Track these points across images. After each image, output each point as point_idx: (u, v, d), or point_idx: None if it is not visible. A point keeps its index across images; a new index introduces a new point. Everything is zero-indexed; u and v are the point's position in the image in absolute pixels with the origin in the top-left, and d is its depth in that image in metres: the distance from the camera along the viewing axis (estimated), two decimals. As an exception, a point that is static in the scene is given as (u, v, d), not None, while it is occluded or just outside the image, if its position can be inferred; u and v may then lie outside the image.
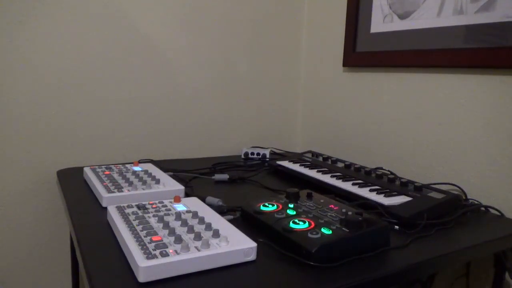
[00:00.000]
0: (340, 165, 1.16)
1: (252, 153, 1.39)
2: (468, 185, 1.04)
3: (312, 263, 0.62)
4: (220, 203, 0.87)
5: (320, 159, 1.24)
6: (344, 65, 1.37)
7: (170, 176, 1.09)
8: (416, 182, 0.96)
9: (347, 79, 1.40)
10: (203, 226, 0.69)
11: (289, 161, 1.22)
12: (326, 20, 1.48)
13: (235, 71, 1.46)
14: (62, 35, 1.16)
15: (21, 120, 1.13)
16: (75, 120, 1.21)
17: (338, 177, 1.04)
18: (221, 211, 0.84)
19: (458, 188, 1.04)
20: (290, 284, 0.57)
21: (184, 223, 0.69)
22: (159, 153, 1.36)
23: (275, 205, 0.79)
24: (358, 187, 0.97)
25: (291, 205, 0.79)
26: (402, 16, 1.17)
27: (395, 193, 0.92)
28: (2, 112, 1.11)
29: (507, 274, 0.91)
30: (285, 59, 1.56)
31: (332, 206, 0.78)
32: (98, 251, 0.64)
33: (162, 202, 0.79)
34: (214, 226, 0.69)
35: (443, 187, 1.06)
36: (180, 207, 0.77)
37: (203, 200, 0.88)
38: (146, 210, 0.74)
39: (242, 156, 1.41)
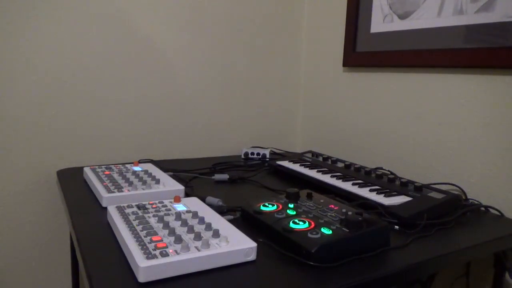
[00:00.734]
0: (340, 165, 1.16)
1: (252, 153, 1.39)
2: (468, 185, 1.04)
3: (312, 263, 0.62)
4: (220, 203, 0.87)
5: (320, 159, 1.24)
6: (344, 65, 1.37)
7: (170, 176, 1.09)
8: (416, 182, 0.96)
9: (347, 79, 1.40)
10: (203, 226, 0.69)
11: (289, 161, 1.22)
12: (326, 20, 1.48)
13: (235, 71, 1.46)
14: (63, 35, 1.16)
15: (21, 120, 1.13)
16: (75, 120, 1.21)
17: (338, 177, 1.04)
18: (221, 211, 0.84)
19: (458, 188, 1.04)
20: (290, 284, 0.57)
21: (184, 223, 0.69)
22: (159, 153, 1.36)
23: (275, 205, 0.79)
24: (358, 187, 0.97)
25: (291, 205, 0.79)
26: (402, 16, 1.17)
27: (395, 193, 0.92)
28: (2, 112, 1.11)
29: (507, 274, 0.91)
30: (285, 59, 1.56)
31: (332, 206, 0.78)
32: (98, 251, 0.64)
33: (162, 202, 0.79)
34: (214, 226, 0.69)
35: (443, 187, 1.06)
36: (180, 207, 0.77)
37: (203, 200, 0.88)
38: (146, 210, 0.74)
39: (242, 156, 1.41)
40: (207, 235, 0.65)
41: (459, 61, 1.02)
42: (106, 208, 0.84)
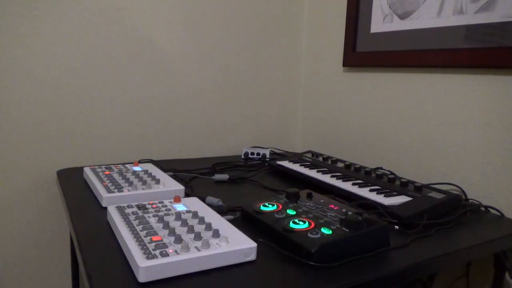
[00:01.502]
0: (340, 165, 1.16)
1: (252, 153, 1.39)
2: (468, 185, 1.04)
3: (312, 263, 0.62)
4: (220, 203, 0.87)
5: (320, 159, 1.24)
6: (344, 65, 1.37)
7: (170, 176, 1.09)
8: (416, 182, 0.96)
9: (347, 79, 1.40)
10: (203, 226, 0.69)
11: (289, 161, 1.22)
12: (326, 20, 1.48)
13: (235, 71, 1.46)
14: (63, 36, 1.16)
15: (21, 120, 1.13)
16: (75, 120, 1.21)
17: (338, 177, 1.04)
18: (221, 211, 0.84)
19: (458, 188, 1.04)
20: (290, 284, 0.57)
21: (184, 223, 0.69)
22: (159, 153, 1.36)
23: (275, 205, 0.79)
24: (358, 187, 0.97)
25: (291, 205, 0.79)
26: (402, 16, 1.17)
27: (395, 193, 0.92)
28: (2, 112, 1.11)
29: (507, 274, 0.91)
30: (285, 59, 1.56)
31: (332, 206, 0.78)
32: (98, 251, 0.64)
33: (162, 202, 0.79)
34: (214, 226, 0.69)
35: (443, 187, 1.06)
36: (180, 207, 0.77)
37: (203, 200, 0.88)
38: (146, 210, 0.74)
39: (242, 156, 1.41)
40: (207, 235, 0.65)
41: (459, 61, 1.02)
42: (106, 208, 0.84)
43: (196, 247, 0.60)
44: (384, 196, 0.90)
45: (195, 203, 0.81)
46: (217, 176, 1.09)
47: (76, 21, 1.17)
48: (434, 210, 0.84)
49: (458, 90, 1.05)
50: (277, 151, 1.54)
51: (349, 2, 1.34)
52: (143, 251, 0.58)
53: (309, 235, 0.65)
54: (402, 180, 0.97)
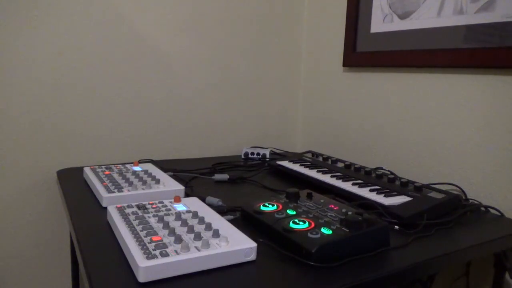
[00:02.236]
0: (340, 165, 1.16)
1: (252, 153, 1.39)
2: (468, 185, 1.04)
3: (312, 263, 0.62)
4: (220, 203, 0.87)
5: (320, 159, 1.24)
6: (344, 65, 1.37)
7: (170, 176, 1.09)
8: (416, 182, 0.96)
9: (347, 79, 1.40)
10: (203, 226, 0.69)
11: (289, 161, 1.22)
12: (326, 20, 1.48)
13: (235, 71, 1.46)
14: (63, 35, 1.16)
15: (21, 120, 1.13)
16: (75, 120, 1.21)
17: (338, 177, 1.04)
18: (221, 211, 0.84)
19: (458, 188, 1.04)
20: (290, 284, 0.57)
21: (184, 223, 0.69)
22: (159, 153, 1.36)
23: (275, 205, 0.79)
24: (358, 187, 0.97)
25: (291, 205, 0.79)
26: (402, 16, 1.17)
27: (395, 193, 0.92)
28: (2, 112, 1.11)
29: (507, 274, 0.91)
30: (285, 59, 1.56)
31: (332, 206, 0.78)
32: (98, 251, 0.64)
33: (162, 202, 0.79)
34: (214, 226, 0.69)
35: (443, 187, 1.06)
36: (180, 207, 0.77)
37: (203, 200, 0.88)
38: (146, 210, 0.74)
39: (242, 156, 1.41)
40: (207, 235, 0.65)
41: (459, 61, 1.02)
42: (106, 208, 0.84)
43: (196, 247, 0.60)
44: (384, 196, 0.90)
45: (195, 203, 0.81)
46: (217, 176, 1.09)
47: (77, 21, 1.17)
48: (434, 210, 0.84)
49: (458, 90, 1.05)
50: (277, 151, 1.54)
51: (349, 2, 1.34)
52: (143, 251, 0.58)
53: (309, 235, 0.65)
54: (402, 180, 0.97)
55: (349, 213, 0.72)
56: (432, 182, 1.11)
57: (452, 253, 0.71)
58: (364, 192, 0.93)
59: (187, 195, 0.94)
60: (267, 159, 1.37)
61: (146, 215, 0.72)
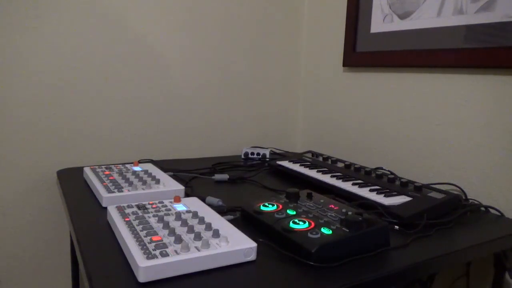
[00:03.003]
0: (340, 165, 1.16)
1: (252, 153, 1.39)
2: (468, 185, 1.04)
3: (312, 263, 0.62)
4: (220, 203, 0.87)
5: (320, 159, 1.24)
6: (344, 65, 1.37)
7: (170, 176, 1.09)
8: (416, 182, 0.96)
9: (347, 79, 1.40)
10: (203, 226, 0.69)
11: (289, 161, 1.22)
12: (326, 20, 1.48)
13: (235, 71, 1.46)
14: (62, 36, 1.16)
15: (21, 120, 1.13)
16: (75, 120, 1.21)
17: (338, 177, 1.04)
18: (221, 211, 0.84)
19: (458, 188, 1.04)
20: (290, 284, 0.57)
21: (184, 223, 0.69)
22: (159, 153, 1.36)
23: (275, 205, 0.79)
24: (358, 187, 0.97)
25: (291, 205, 0.79)
26: (402, 16, 1.17)
27: (395, 193, 0.92)
28: (2, 112, 1.11)
29: (507, 274, 0.91)
30: (285, 59, 1.56)
31: (332, 206, 0.78)
32: (98, 251, 0.64)
33: (162, 202, 0.79)
34: (214, 226, 0.69)
35: (443, 187, 1.06)
36: (180, 207, 0.77)
37: (203, 200, 0.88)
38: (146, 210, 0.74)
39: (242, 156, 1.41)
40: (207, 235, 0.65)
41: (459, 61, 1.02)
42: (106, 208, 0.84)
43: (196, 247, 0.60)
44: (384, 196, 0.90)
45: (195, 203, 0.81)
46: (217, 176, 1.09)
47: (77, 21, 1.17)
48: (434, 210, 0.84)
49: (458, 90, 1.05)
50: (277, 151, 1.54)
51: (349, 2, 1.34)
52: (143, 251, 0.58)
53: (309, 235, 0.65)
54: (402, 180, 0.97)
55: (349, 213, 0.72)
56: (432, 182, 1.11)
57: (452, 253, 0.71)
58: (364, 192, 0.93)
59: (187, 195, 0.94)
60: (267, 159, 1.37)
61: (146, 215, 0.72)
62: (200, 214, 0.74)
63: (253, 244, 0.63)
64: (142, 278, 0.55)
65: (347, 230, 0.66)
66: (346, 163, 1.15)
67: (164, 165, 1.24)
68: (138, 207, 0.76)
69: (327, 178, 1.04)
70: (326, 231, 0.66)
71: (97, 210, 0.82)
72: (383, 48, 1.23)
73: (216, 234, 0.65)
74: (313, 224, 0.69)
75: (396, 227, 0.80)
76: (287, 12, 1.53)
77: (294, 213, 0.75)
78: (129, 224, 0.68)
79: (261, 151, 1.39)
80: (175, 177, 1.11)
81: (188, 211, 0.75)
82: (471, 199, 1.01)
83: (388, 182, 0.99)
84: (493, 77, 0.97)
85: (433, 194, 0.89)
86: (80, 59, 1.19)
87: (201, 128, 1.42)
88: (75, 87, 1.20)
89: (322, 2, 1.49)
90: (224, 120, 1.47)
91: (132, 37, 1.26)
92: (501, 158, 0.97)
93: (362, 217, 0.69)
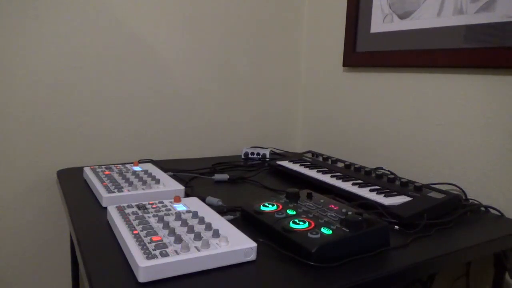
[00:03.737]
0: (340, 165, 1.16)
1: (252, 153, 1.39)
2: (468, 185, 1.04)
3: (312, 263, 0.62)
4: (220, 203, 0.87)
5: (320, 159, 1.24)
6: (344, 65, 1.37)
7: (170, 176, 1.09)
8: (416, 182, 0.96)
9: (347, 79, 1.40)
10: (203, 226, 0.69)
11: (289, 161, 1.22)
12: (326, 20, 1.48)
13: (235, 71, 1.46)
14: (63, 36, 1.16)
15: (21, 120, 1.13)
16: (75, 120, 1.21)
17: (338, 177, 1.04)
18: (221, 211, 0.84)
19: (458, 188, 1.04)
20: (290, 284, 0.57)
21: (184, 223, 0.69)
22: (159, 153, 1.36)
23: (275, 205, 0.79)
24: (358, 187, 0.97)
25: (291, 205, 0.79)
26: (402, 16, 1.17)
27: (395, 193, 0.92)
28: (2, 112, 1.11)
29: (507, 274, 0.91)
30: (285, 59, 1.56)
31: (332, 206, 0.78)
32: (98, 251, 0.64)
33: (162, 202, 0.79)
34: (214, 226, 0.69)
35: (443, 187, 1.06)
36: (180, 207, 0.77)
37: (203, 200, 0.88)
38: (146, 210, 0.74)
39: (242, 156, 1.41)
40: (207, 235, 0.65)
41: (459, 61, 1.02)
42: (106, 208, 0.84)
43: (196, 247, 0.60)
44: (384, 196, 0.90)
45: (195, 203, 0.81)
46: (217, 176, 1.09)
47: (77, 21, 1.17)
48: (434, 210, 0.84)
49: (458, 90, 1.05)
50: (277, 151, 1.54)
51: (349, 2, 1.34)
52: (143, 251, 0.58)
53: (309, 235, 0.65)
54: (402, 180, 0.97)
55: (349, 213, 0.72)
56: (432, 182, 1.11)
57: (452, 253, 0.71)
58: (364, 192, 0.93)
59: (187, 195, 0.94)
60: (267, 159, 1.37)
61: (146, 215, 0.72)
62: (200, 214, 0.74)
63: (253, 244, 0.63)
64: (142, 278, 0.55)
65: (347, 230, 0.66)
66: (346, 163, 1.15)
67: (164, 165, 1.24)
68: (138, 207, 0.76)
69: (327, 178, 1.04)
70: (326, 231, 0.66)
71: (97, 210, 0.82)
72: (383, 48, 1.23)
73: (216, 234, 0.65)
74: (313, 224, 0.69)
75: (396, 227, 0.80)
76: (287, 12, 1.53)
77: (294, 213, 0.75)
78: (129, 224, 0.68)
79: (261, 151, 1.39)
80: (175, 177, 1.11)
81: (188, 211, 0.75)
82: (471, 199, 1.01)
83: (388, 182, 0.99)
84: (493, 77, 0.97)
85: (433, 194, 0.89)
86: (80, 59, 1.19)
87: (201, 128, 1.42)
88: (75, 87, 1.20)
89: (322, 2, 1.49)
90: (224, 120, 1.47)
91: (132, 37, 1.25)
92: (501, 158, 0.97)
93: (362, 217, 0.69)
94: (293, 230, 0.68)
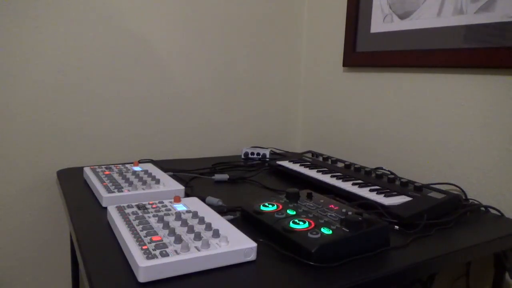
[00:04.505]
0: (340, 165, 1.16)
1: (252, 153, 1.39)
2: (468, 185, 1.04)
3: (312, 263, 0.62)
4: (220, 203, 0.87)
5: (320, 159, 1.24)
6: (344, 65, 1.37)
7: (170, 176, 1.09)
8: (416, 182, 0.96)
9: (347, 79, 1.40)
10: (203, 226, 0.69)
11: (289, 161, 1.22)
12: (326, 20, 1.48)
13: (235, 71, 1.46)
14: (62, 36, 1.16)
15: (21, 120, 1.13)
16: (75, 120, 1.21)
17: (338, 177, 1.04)
18: (221, 211, 0.84)
19: (458, 188, 1.04)
20: (290, 284, 0.57)
21: (184, 223, 0.69)
22: (159, 153, 1.36)
23: (275, 205, 0.79)
24: (358, 187, 0.97)
25: (291, 205, 0.79)
26: (402, 16, 1.17)
27: (395, 193, 0.92)
28: (2, 112, 1.11)
29: (507, 274, 0.91)
30: (285, 59, 1.56)
31: (332, 206, 0.78)
32: (98, 251, 0.64)
33: (162, 202, 0.79)
34: (214, 226, 0.69)
35: (443, 187, 1.06)
36: (180, 207, 0.77)
37: (203, 200, 0.88)
38: (146, 210, 0.74)
39: (242, 156, 1.41)
40: (207, 235, 0.65)
41: (459, 61, 1.02)
42: (106, 208, 0.84)
43: (196, 247, 0.60)
44: (384, 196, 0.90)
45: (195, 203, 0.81)
46: (217, 176, 1.09)
47: (77, 21, 1.17)
48: (434, 210, 0.84)
49: (458, 90, 1.05)
50: (277, 151, 1.54)
51: (349, 2, 1.34)
52: (143, 251, 0.58)
53: (309, 235, 0.65)
54: (402, 180, 0.97)
55: (349, 213, 0.72)
56: (432, 182, 1.11)
57: (452, 253, 0.71)
58: (364, 192, 0.93)
59: (187, 195, 0.94)
60: (267, 159, 1.37)
61: (146, 215, 0.72)
62: (200, 214, 0.74)
63: (253, 244, 0.63)
64: (142, 278, 0.55)
65: (347, 230, 0.66)
66: (346, 163, 1.15)
67: (164, 165, 1.24)
68: (138, 207, 0.76)
69: (327, 178, 1.04)
70: (326, 231, 0.66)
71: (97, 210, 0.82)
72: (383, 48, 1.23)
73: (216, 234, 0.65)
74: (313, 224, 0.69)
75: (396, 227, 0.80)
76: (287, 12, 1.53)
77: (294, 213, 0.75)
78: (129, 224, 0.68)
79: (261, 151, 1.39)
80: (175, 177, 1.11)
81: (188, 211, 0.75)
82: (471, 199, 1.01)
83: (388, 182, 0.99)
84: (493, 77, 0.97)
85: (433, 194, 0.89)
86: (80, 59, 1.19)
87: (201, 128, 1.42)
88: (75, 87, 1.20)
89: (322, 2, 1.49)
90: (224, 120, 1.47)
91: (132, 37, 1.26)
92: (501, 158, 0.97)
93: (362, 217, 0.69)
94: (293, 230, 0.68)
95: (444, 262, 0.70)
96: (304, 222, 0.70)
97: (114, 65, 1.24)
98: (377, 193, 0.92)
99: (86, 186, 0.99)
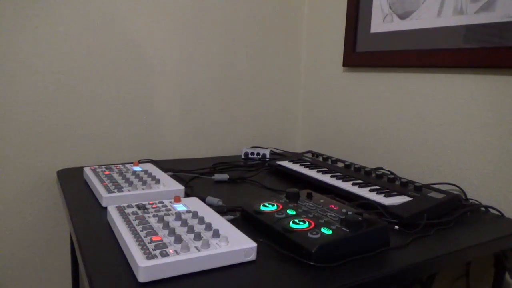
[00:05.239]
0: (340, 165, 1.16)
1: (252, 153, 1.39)
2: (468, 185, 1.04)
3: (312, 263, 0.62)
4: (220, 203, 0.87)
5: (320, 159, 1.24)
6: (344, 65, 1.37)
7: (170, 176, 1.09)
8: (416, 182, 0.96)
9: (347, 79, 1.40)
10: (203, 226, 0.69)
11: (289, 161, 1.22)
12: (326, 20, 1.48)
13: (235, 71, 1.46)
14: (62, 36, 1.16)
15: (21, 120, 1.13)
16: (75, 120, 1.21)
17: (338, 177, 1.04)
18: (221, 211, 0.84)
19: (458, 188, 1.04)
20: (290, 284, 0.57)
21: (184, 223, 0.69)
22: (159, 153, 1.36)
23: (275, 205, 0.79)
24: (358, 187, 0.97)
25: (291, 205, 0.79)
26: (402, 16, 1.17)
27: (395, 193, 0.92)
28: (2, 113, 1.11)
29: (507, 274, 0.91)
30: (285, 59, 1.56)
31: (332, 206, 0.78)
32: (98, 251, 0.64)
33: (162, 202, 0.79)
34: (214, 226, 0.69)
35: (443, 187, 1.06)
36: (180, 207, 0.77)
37: (203, 200, 0.88)
38: (146, 210, 0.74)
39: (242, 156, 1.41)
40: (207, 235, 0.65)
41: (459, 61, 1.02)
42: (106, 208, 0.84)
43: (196, 247, 0.60)
44: (384, 196, 0.90)
45: (195, 203, 0.81)
46: (217, 176, 1.09)
47: (77, 21, 1.17)
48: (434, 210, 0.84)
49: (458, 90, 1.05)
50: (277, 151, 1.54)
51: (349, 2, 1.34)
52: (143, 251, 0.58)
53: (309, 235, 0.65)
54: (402, 180, 0.97)
55: (349, 213, 0.72)
56: (432, 182, 1.11)
57: (452, 253, 0.71)
58: (364, 192, 0.93)
59: (187, 195, 0.94)
60: (267, 159, 1.37)
61: (146, 215, 0.72)
62: (200, 214, 0.74)
63: (253, 244, 0.63)
64: (142, 278, 0.55)
65: (347, 230, 0.66)
66: (346, 163, 1.15)
67: (164, 165, 1.24)
68: (138, 207, 0.76)
69: (327, 178, 1.04)
70: (326, 231, 0.66)
71: (97, 210, 0.82)
72: (383, 48, 1.23)
73: (216, 234, 0.65)
74: (313, 224, 0.69)
75: (396, 227, 0.80)
76: (287, 12, 1.53)
77: (294, 213, 0.75)
78: (129, 224, 0.68)
79: (261, 151, 1.39)
80: (175, 177, 1.11)
81: (188, 211, 0.75)
82: (471, 199, 1.01)
83: (388, 182, 0.99)
84: (493, 77, 0.97)
85: (433, 194, 0.89)
86: (80, 59, 1.19)
87: (201, 128, 1.42)
88: (75, 87, 1.20)
89: (322, 2, 1.49)
90: (224, 120, 1.47)
91: (132, 37, 1.25)
92: (501, 158, 0.97)
93: (362, 217, 0.69)
94: (293, 230, 0.68)
95: (444, 262, 0.70)
96: (304, 222, 0.70)
97: (114, 65, 1.24)
98: (377, 193, 0.92)
99: (86, 186, 0.99)
